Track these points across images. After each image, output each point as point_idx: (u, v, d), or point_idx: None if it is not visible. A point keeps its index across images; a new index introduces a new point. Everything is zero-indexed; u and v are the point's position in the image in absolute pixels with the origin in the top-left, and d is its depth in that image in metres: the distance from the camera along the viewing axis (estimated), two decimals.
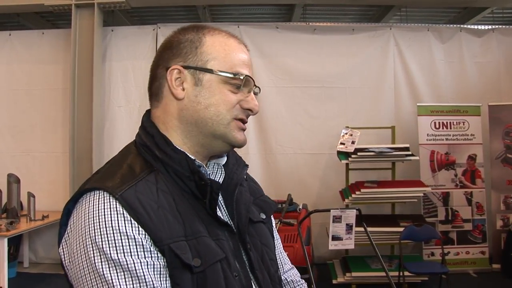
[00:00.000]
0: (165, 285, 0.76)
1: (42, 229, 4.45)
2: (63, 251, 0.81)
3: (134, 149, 0.90)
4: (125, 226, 0.75)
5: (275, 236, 1.10)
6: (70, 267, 0.78)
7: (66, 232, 0.81)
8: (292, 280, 1.14)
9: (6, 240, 3.61)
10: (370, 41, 4.92)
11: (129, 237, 0.75)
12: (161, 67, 0.91)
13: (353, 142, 4.17)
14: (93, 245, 0.74)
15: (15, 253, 4.57)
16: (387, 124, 4.66)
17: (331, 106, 4.86)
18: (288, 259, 1.17)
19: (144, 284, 0.74)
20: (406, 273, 3.64)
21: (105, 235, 0.74)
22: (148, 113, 0.96)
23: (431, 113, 4.58)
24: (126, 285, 0.73)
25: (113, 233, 0.75)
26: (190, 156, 0.87)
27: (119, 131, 4.76)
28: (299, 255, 3.57)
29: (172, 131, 0.90)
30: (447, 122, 4.57)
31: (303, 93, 4.87)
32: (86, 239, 0.75)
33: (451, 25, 5.20)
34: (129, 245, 0.75)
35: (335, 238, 3.14)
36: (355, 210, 3.08)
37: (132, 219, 0.76)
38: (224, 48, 0.90)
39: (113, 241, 0.74)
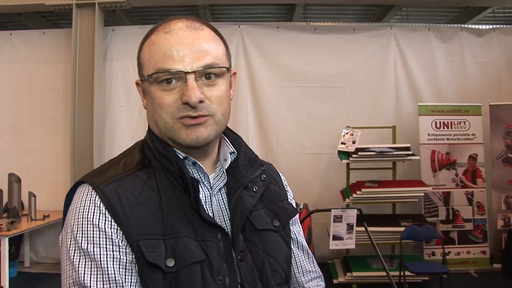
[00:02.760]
0: (129, 280, 0.77)
1: (43, 228, 4.46)
2: (60, 239, 0.85)
3: (139, 146, 0.93)
4: (99, 219, 0.78)
5: (297, 244, 1.04)
6: (60, 253, 0.83)
7: (64, 222, 0.86)
8: None
9: (7, 239, 3.62)
10: (371, 41, 4.92)
11: (100, 229, 0.78)
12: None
13: (353, 142, 4.17)
14: (70, 233, 0.79)
15: (16, 253, 4.58)
16: (388, 124, 4.65)
17: (332, 106, 4.85)
18: (314, 268, 1.08)
19: (107, 275, 0.76)
20: (407, 273, 3.64)
21: (80, 225, 0.78)
22: None
23: (432, 112, 4.58)
24: (90, 274, 0.76)
25: (87, 224, 0.78)
26: (179, 153, 0.87)
27: (120, 131, 4.76)
28: None
29: (158, 134, 0.92)
30: (448, 122, 4.57)
31: (304, 93, 4.87)
32: (67, 227, 0.80)
33: (452, 25, 5.20)
34: (99, 237, 0.77)
35: (336, 237, 3.14)
36: (356, 210, 3.08)
37: (107, 213, 0.79)
38: (150, 50, 0.85)
39: (86, 232, 0.78)
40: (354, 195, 4.01)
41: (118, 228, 0.78)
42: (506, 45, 4.97)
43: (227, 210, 0.90)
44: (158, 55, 0.83)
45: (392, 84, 4.89)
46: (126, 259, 0.78)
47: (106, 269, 0.76)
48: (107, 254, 0.77)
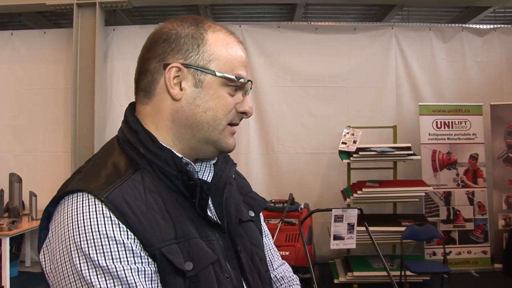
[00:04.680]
0: None
1: None
2: (44, 258, 0.76)
3: (117, 145, 0.85)
4: (113, 230, 0.71)
5: (264, 233, 1.07)
6: (53, 275, 0.73)
7: (48, 238, 0.76)
8: (283, 276, 1.09)
9: (8, 239, 3.62)
10: (372, 41, 4.91)
11: (117, 242, 0.70)
12: (156, 61, 0.84)
13: (354, 142, 4.16)
14: (79, 251, 0.69)
15: (17, 252, 4.58)
16: (388, 124, 4.65)
17: (332, 106, 4.85)
18: (279, 255, 1.13)
19: None
20: (408, 273, 3.64)
21: (92, 241, 0.69)
22: (132, 107, 0.90)
23: (432, 112, 4.57)
24: None
25: (100, 238, 0.70)
26: (177, 154, 0.83)
27: None
28: (301, 255, 3.58)
29: (163, 132, 0.84)
30: (449, 122, 4.57)
31: (304, 93, 4.87)
32: (70, 245, 0.70)
33: (453, 25, 5.19)
34: (118, 251, 0.70)
35: (336, 237, 3.14)
36: (356, 210, 3.08)
37: (120, 223, 0.71)
38: (226, 48, 0.85)
39: (101, 247, 0.69)
40: (355, 195, 4.01)
41: (135, 237, 0.72)
42: (507, 45, 4.97)
43: (212, 206, 0.89)
44: (236, 61, 0.85)
45: (393, 84, 4.89)
46: (151, 270, 0.72)
47: (133, 284, 0.70)
48: (131, 268, 0.70)
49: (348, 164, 4.35)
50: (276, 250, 1.13)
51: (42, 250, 0.77)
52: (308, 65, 4.86)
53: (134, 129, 0.84)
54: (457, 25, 5.13)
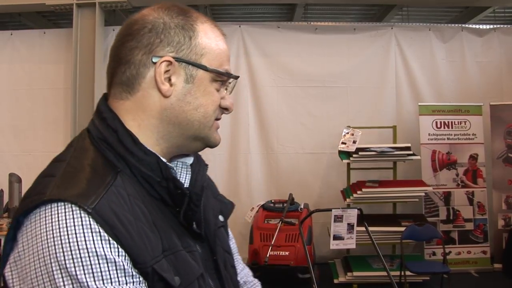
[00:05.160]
0: None
1: None
2: (11, 274, 0.65)
3: (90, 143, 0.75)
4: (103, 247, 0.63)
5: (229, 236, 1.02)
6: None
7: (16, 251, 0.65)
8: (245, 281, 1.04)
9: None
10: (372, 41, 4.92)
11: (108, 260, 0.63)
12: (142, 53, 0.75)
13: (354, 142, 4.16)
14: (62, 271, 0.61)
15: None
16: (388, 124, 4.65)
17: (332, 106, 4.85)
18: (240, 258, 1.06)
19: None
20: (408, 273, 3.64)
21: (78, 259, 0.61)
22: (105, 99, 0.81)
23: (432, 112, 4.58)
24: None
25: (88, 256, 0.62)
26: (162, 159, 0.75)
27: None
28: (301, 255, 3.58)
29: (146, 131, 0.76)
30: (448, 122, 4.57)
31: (304, 93, 4.87)
32: (51, 263, 0.61)
33: (453, 25, 5.19)
34: (109, 270, 0.63)
35: (336, 237, 3.14)
36: (356, 210, 3.08)
37: (110, 238, 0.63)
38: (215, 42, 0.80)
39: (89, 266, 0.61)
40: (354, 195, 4.01)
41: (126, 254, 0.65)
42: (506, 45, 4.97)
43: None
44: (224, 56, 0.81)
45: (392, 84, 4.89)
46: None
47: None
48: None
49: (348, 164, 4.35)
50: (238, 253, 1.05)
51: (8, 265, 0.66)
52: (308, 65, 4.86)
53: (113, 127, 0.75)
54: (456, 25, 5.14)
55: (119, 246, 0.64)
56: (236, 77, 0.84)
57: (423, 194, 4.19)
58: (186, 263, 0.73)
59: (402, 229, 3.78)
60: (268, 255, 3.59)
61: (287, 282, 3.75)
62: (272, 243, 3.68)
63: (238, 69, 4.77)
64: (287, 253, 3.66)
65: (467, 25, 5.13)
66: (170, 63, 0.75)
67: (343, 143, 4.22)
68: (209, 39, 0.79)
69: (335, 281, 4.05)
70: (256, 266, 3.64)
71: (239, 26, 4.83)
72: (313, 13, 5.41)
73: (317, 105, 4.86)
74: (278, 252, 3.67)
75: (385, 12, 5.23)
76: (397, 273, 3.70)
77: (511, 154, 4.55)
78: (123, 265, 0.64)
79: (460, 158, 4.54)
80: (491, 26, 5.06)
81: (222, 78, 0.81)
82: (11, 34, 4.98)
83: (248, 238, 3.97)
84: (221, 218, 0.93)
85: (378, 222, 3.95)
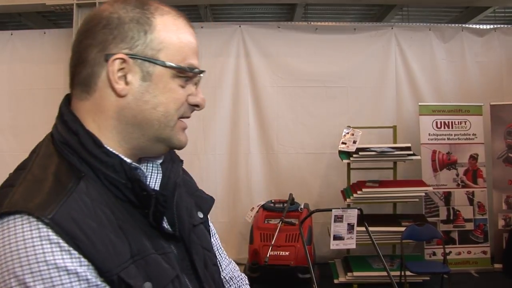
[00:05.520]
0: None
1: None
2: None
3: (53, 148, 0.72)
4: (63, 259, 0.60)
5: (211, 233, 0.97)
6: None
7: None
8: (231, 277, 1.01)
9: None
10: (372, 41, 4.91)
11: (69, 272, 0.60)
12: (96, 51, 0.72)
13: (354, 142, 4.16)
14: (22, 287, 0.58)
15: None
16: (388, 124, 4.65)
17: (332, 106, 4.85)
18: (225, 254, 1.03)
19: None
20: (408, 273, 3.64)
21: (37, 273, 0.58)
22: (67, 101, 0.78)
23: (432, 112, 4.57)
24: None
25: (48, 269, 0.59)
26: (125, 159, 0.72)
27: None
28: (301, 255, 3.58)
29: (106, 132, 0.73)
30: (448, 122, 4.56)
31: (304, 93, 4.87)
32: (10, 279, 0.59)
33: (453, 25, 5.19)
34: (71, 283, 0.60)
35: (336, 237, 3.14)
36: (356, 210, 3.08)
37: (71, 248, 0.60)
38: (177, 35, 0.74)
39: (49, 280, 0.58)
40: (354, 195, 4.01)
41: (90, 263, 0.62)
42: (507, 45, 4.96)
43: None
44: (187, 48, 0.76)
45: (392, 84, 4.89)
46: None
47: None
48: None
49: (348, 164, 4.34)
50: (222, 249, 1.02)
51: None
52: (308, 65, 4.86)
53: (74, 130, 0.72)
54: (457, 25, 5.13)
55: (81, 256, 0.61)
56: (200, 72, 0.77)
57: (423, 194, 4.19)
58: (158, 266, 0.69)
59: (402, 229, 3.78)
60: (268, 255, 3.59)
61: (287, 282, 3.74)
62: (272, 243, 3.68)
63: (239, 69, 4.78)
64: (287, 253, 3.66)
65: (467, 25, 5.13)
66: (124, 60, 0.71)
67: (343, 143, 4.21)
68: (168, 32, 0.74)
69: (335, 281, 4.05)
70: (256, 266, 3.64)
71: (239, 26, 4.83)
72: (313, 13, 5.41)
73: (317, 105, 4.86)
74: (278, 252, 3.67)
75: (385, 12, 5.23)
76: (397, 273, 3.70)
77: (511, 154, 4.55)
78: (86, 275, 0.61)
79: (460, 158, 4.53)
80: (492, 26, 5.06)
81: (187, 74, 0.75)
82: (11, 34, 4.98)
83: (248, 238, 3.97)
84: (200, 214, 0.90)
85: (378, 222, 3.95)
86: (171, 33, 0.74)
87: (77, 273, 0.60)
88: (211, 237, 0.96)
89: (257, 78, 4.80)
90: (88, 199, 0.66)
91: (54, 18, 5.58)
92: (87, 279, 0.61)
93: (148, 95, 0.72)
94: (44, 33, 4.99)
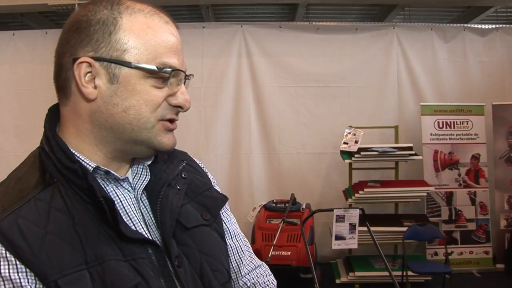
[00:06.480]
0: None
1: None
2: None
3: (37, 153, 0.75)
4: (0, 266, 0.61)
5: (229, 235, 0.92)
6: None
7: None
8: (254, 283, 0.94)
9: None
10: (373, 41, 4.91)
11: (4, 279, 0.61)
12: (68, 55, 0.71)
13: (356, 142, 4.16)
14: None
15: None
16: (390, 124, 4.65)
17: (334, 106, 4.85)
18: (252, 258, 0.97)
19: None
20: (410, 273, 3.64)
21: None
22: (56, 108, 0.79)
23: (434, 112, 4.57)
24: None
25: None
26: (88, 164, 0.72)
27: None
28: (303, 255, 3.58)
29: (84, 136, 0.74)
30: (450, 122, 4.56)
31: (306, 93, 4.86)
32: None
33: (455, 24, 5.18)
34: None
35: (338, 237, 3.14)
36: (358, 210, 3.08)
37: (8, 255, 0.62)
38: (145, 33, 0.71)
39: None
40: (356, 195, 4.01)
41: (28, 270, 0.62)
42: (509, 45, 4.96)
43: (151, 214, 0.78)
44: (160, 47, 0.72)
45: (394, 84, 4.88)
46: None
47: None
48: None
49: (350, 164, 4.34)
50: (249, 252, 0.97)
51: None
52: (309, 65, 4.86)
53: (47, 136, 0.74)
54: (458, 25, 5.12)
55: (18, 263, 0.62)
56: (172, 71, 0.73)
57: (425, 194, 4.19)
58: (115, 273, 0.66)
59: (404, 229, 3.78)
60: (270, 255, 3.59)
61: (289, 282, 3.73)
62: (274, 243, 3.67)
63: (240, 69, 4.78)
64: (289, 253, 3.66)
65: (469, 25, 5.12)
66: (89, 64, 0.70)
67: (345, 143, 4.21)
68: (137, 31, 0.71)
69: (337, 281, 4.05)
70: None
71: (241, 26, 4.83)
72: (315, 13, 5.41)
73: (319, 105, 4.86)
74: (280, 252, 3.67)
75: (387, 12, 5.22)
76: (399, 273, 3.70)
77: None
78: (20, 282, 0.61)
79: (462, 158, 4.53)
80: (493, 26, 5.05)
81: (159, 74, 0.72)
82: (13, 35, 4.99)
83: (250, 238, 3.98)
84: (207, 216, 0.86)
85: (380, 222, 3.95)
86: (140, 32, 0.71)
87: (10, 279, 0.61)
88: (229, 239, 0.92)
89: (259, 78, 4.80)
90: (47, 207, 0.67)
91: (56, 18, 5.59)
92: (20, 285, 0.61)
93: (116, 98, 0.71)
94: (46, 33, 4.99)
